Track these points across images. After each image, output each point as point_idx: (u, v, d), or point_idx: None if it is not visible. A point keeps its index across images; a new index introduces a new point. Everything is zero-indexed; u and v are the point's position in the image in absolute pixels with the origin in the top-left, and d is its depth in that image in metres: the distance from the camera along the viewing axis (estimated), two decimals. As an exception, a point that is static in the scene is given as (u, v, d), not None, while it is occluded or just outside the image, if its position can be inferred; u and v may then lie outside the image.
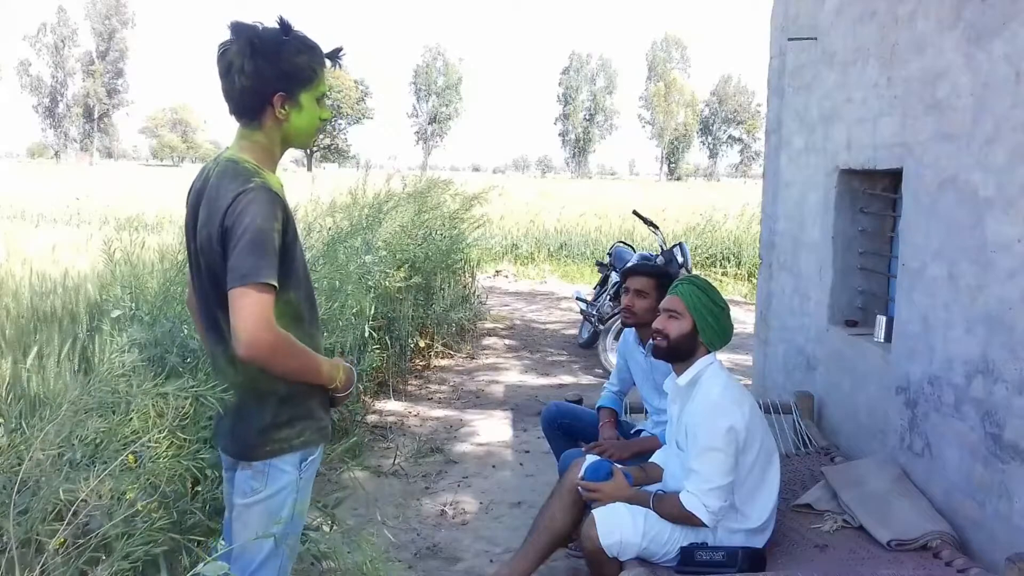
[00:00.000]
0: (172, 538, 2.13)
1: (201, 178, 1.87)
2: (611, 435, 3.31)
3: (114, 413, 1.93)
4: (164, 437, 1.91)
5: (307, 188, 6.24)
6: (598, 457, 2.93)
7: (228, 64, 1.77)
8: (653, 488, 2.75)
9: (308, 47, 1.83)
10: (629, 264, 3.63)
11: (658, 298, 3.04)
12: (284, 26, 1.82)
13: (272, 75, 1.78)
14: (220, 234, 1.72)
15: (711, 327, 2.57)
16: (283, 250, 1.74)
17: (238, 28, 1.79)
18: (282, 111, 1.82)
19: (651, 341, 2.69)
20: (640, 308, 3.22)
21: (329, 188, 6.61)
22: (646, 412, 3.54)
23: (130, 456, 1.82)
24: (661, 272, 3.34)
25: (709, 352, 2.61)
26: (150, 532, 1.81)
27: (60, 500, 1.70)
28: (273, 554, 1.84)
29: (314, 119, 1.88)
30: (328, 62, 1.89)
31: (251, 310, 1.65)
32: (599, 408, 3.48)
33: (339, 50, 1.91)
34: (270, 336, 1.68)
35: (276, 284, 1.70)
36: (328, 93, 1.95)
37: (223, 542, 1.89)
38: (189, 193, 1.91)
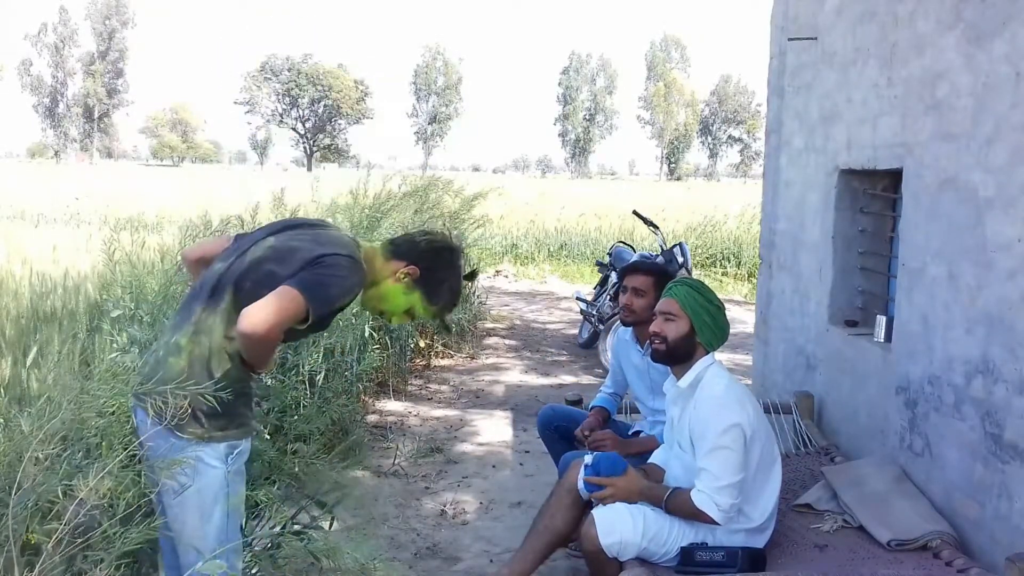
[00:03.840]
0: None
1: (317, 221, 2.20)
2: (593, 425, 3.28)
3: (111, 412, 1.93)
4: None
5: (311, 188, 6.22)
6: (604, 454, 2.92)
7: (431, 234, 2.16)
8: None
9: (455, 293, 2.15)
10: (628, 263, 3.62)
11: (656, 297, 3.01)
12: (471, 272, 2.26)
13: (424, 264, 2.08)
14: (311, 257, 1.90)
15: (708, 327, 2.57)
16: (330, 315, 1.96)
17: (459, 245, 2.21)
18: (399, 276, 2.08)
19: (649, 344, 2.68)
20: (638, 306, 3.18)
21: (330, 189, 6.60)
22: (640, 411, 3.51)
23: (104, 445, 1.84)
24: (660, 270, 3.30)
25: (708, 352, 2.60)
26: (148, 530, 1.80)
27: (58, 499, 1.70)
28: (217, 544, 1.90)
29: (392, 307, 2.12)
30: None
31: (283, 309, 1.80)
32: (591, 408, 3.46)
33: (475, 273, 2.32)
34: (273, 334, 1.82)
35: (312, 318, 1.86)
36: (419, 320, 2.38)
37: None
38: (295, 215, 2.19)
